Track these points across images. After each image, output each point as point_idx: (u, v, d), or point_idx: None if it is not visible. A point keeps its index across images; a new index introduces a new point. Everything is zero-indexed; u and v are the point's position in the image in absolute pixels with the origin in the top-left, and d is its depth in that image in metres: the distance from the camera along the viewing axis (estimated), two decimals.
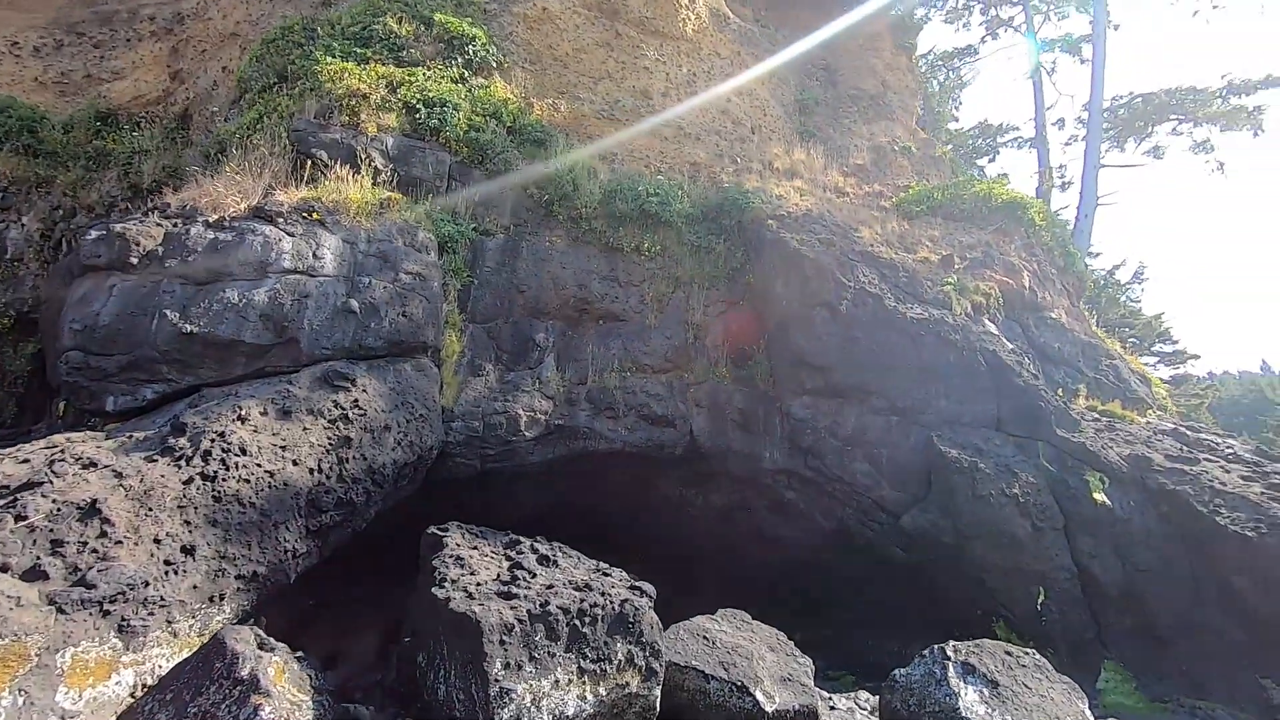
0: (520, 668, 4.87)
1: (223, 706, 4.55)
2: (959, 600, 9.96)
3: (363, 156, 10.12)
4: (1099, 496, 9.56)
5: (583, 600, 5.36)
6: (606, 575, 6.11)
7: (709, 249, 12.48)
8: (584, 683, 5.15)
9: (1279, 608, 8.10)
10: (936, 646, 6.18)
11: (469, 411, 9.51)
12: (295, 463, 7.02)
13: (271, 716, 4.49)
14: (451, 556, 5.76)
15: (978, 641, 6.21)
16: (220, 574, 5.99)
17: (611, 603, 5.49)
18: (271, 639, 5.18)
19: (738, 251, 12.56)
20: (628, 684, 5.34)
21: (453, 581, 5.36)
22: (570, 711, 5.01)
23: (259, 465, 6.74)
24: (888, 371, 10.64)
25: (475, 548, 6.18)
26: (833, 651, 10.92)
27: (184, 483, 6.21)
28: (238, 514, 6.33)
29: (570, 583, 5.56)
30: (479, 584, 5.39)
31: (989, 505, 9.53)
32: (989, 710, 5.53)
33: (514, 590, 5.27)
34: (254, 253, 8.48)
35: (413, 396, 8.58)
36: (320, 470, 7.16)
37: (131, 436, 6.99)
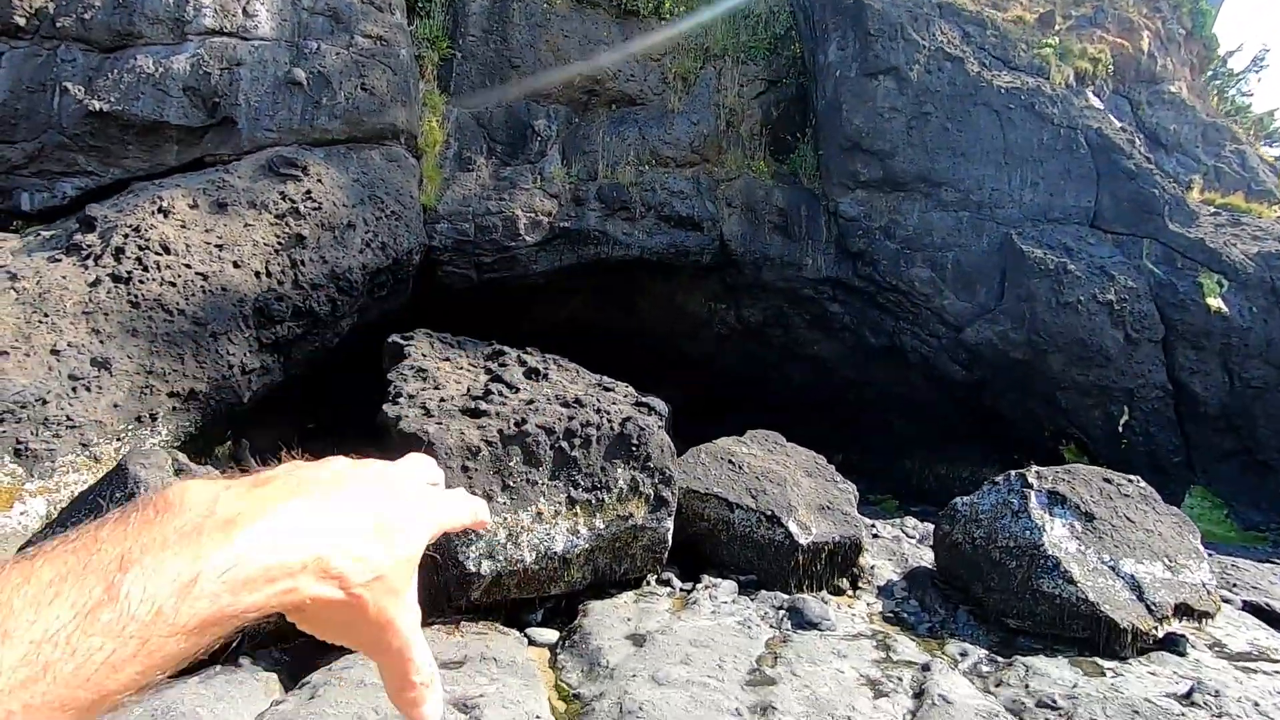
0: (490, 499, 3.87)
1: None
2: (1023, 421, 8.82)
3: None
4: (1214, 302, 7.93)
5: (571, 418, 4.24)
6: (608, 390, 4.98)
7: (746, 12, 10.09)
8: (575, 515, 4.17)
9: None
10: (1014, 473, 5.04)
11: (457, 212, 8.08)
12: (236, 264, 5.82)
13: None
14: (412, 369, 4.64)
15: (1069, 467, 5.04)
16: (148, 391, 5.02)
17: (609, 422, 4.37)
18: (193, 464, 4.24)
19: (782, 14, 10.14)
20: (631, 515, 4.36)
21: (409, 397, 4.26)
22: (559, 547, 4.08)
23: (188, 267, 5.56)
24: (964, 156, 8.70)
25: (447, 359, 5.05)
26: (874, 475, 10.12)
27: (90, 285, 5.08)
28: (163, 323, 5.25)
29: (558, 398, 4.43)
30: (442, 400, 4.29)
31: (1075, 314, 8.03)
32: (1082, 547, 4.45)
33: (484, 407, 4.16)
34: (164, 7, 6.72)
35: (383, 190, 7.14)
36: (269, 274, 5.97)
37: (39, 235, 5.82)
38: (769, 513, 5.14)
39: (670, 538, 4.69)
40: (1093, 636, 4.18)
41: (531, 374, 5.04)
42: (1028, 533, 4.57)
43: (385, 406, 4.20)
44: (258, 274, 5.90)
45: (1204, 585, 4.41)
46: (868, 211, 9.02)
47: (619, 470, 4.37)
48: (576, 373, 5.35)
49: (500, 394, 4.41)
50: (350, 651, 2.79)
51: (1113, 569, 4.36)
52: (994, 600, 4.62)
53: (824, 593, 5.20)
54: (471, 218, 8.13)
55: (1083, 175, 8.70)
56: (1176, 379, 8.00)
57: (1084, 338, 8.00)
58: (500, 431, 4.01)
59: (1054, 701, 3.43)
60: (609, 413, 4.42)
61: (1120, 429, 7.99)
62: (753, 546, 5.19)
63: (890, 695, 3.42)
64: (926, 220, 8.84)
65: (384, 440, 4.60)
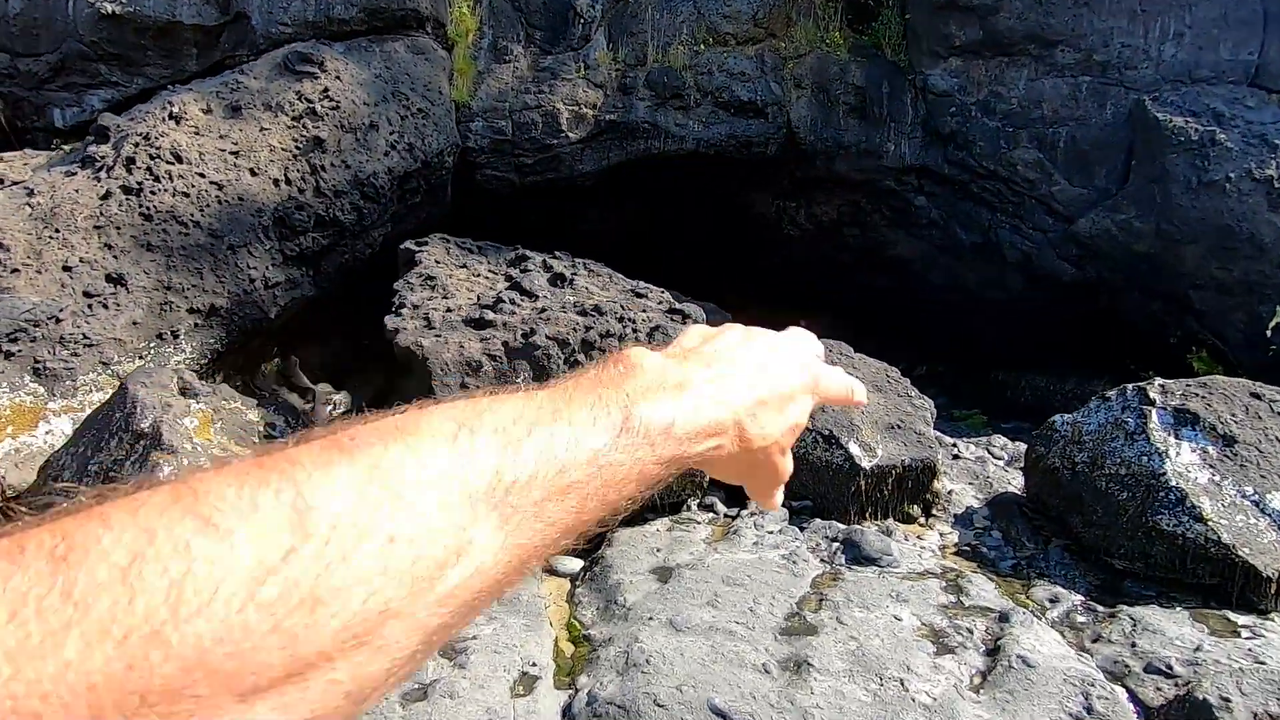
0: None
1: (126, 464, 3.53)
2: (1142, 327, 7.62)
3: None
4: None
5: (589, 328, 3.72)
6: (640, 297, 4.40)
7: None
8: None
9: None
10: (1131, 386, 4.17)
11: (492, 108, 7.43)
12: (253, 172, 5.49)
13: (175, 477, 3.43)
14: (420, 276, 4.21)
15: (1204, 379, 4.11)
16: (167, 308, 4.86)
17: (635, 332, 3.82)
18: (201, 384, 4.04)
19: None
20: None
21: (413, 307, 3.85)
22: None
23: (201, 175, 5.26)
24: (1087, 5, 7.18)
25: (464, 266, 4.59)
26: (961, 389, 9.19)
27: (101, 198, 4.88)
28: (179, 236, 5.02)
29: (576, 306, 3.89)
30: (449, 310, 3.85)
31: (1221, 195, 6.65)
32: (1216, 477, 3.62)
33: (491, 317, 3.70)
34: None
35: (408, 86, 6.58)
36: (288, 181, 5.62)
37: (61, 150, 5.67)
38: (826, 432, 4.52)
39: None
40: (1222, 584, 3.43)
41: (557, 280, 4.51)
42: (1145, 459, 3.77)
43: (386, 318, 3.81)
44: (276, 182, 5.56)
45: None
46: (963, 84, 7.70)
47: None
48: (609, 278, 4.78)
49: (513, 303, 3.92)
50: None
51: (1256, 504, 3.53)
52: (1095, 536, 3.90)
53: (890, 521, 4.61)
54: (508, 114, 7.47)
55: (1244, 20, 7.01)
56: None
57: (1230, 224, 6.64)
58: (505, 344, 3.55)
59: (1169, 667, 2.77)
60: (634, 322, 3.86)
61: (1269, 333, 6.71)
62: (808, 469, 4.62)
63: (956, 651, 2.87)
64: (1035, 90, 7.45)
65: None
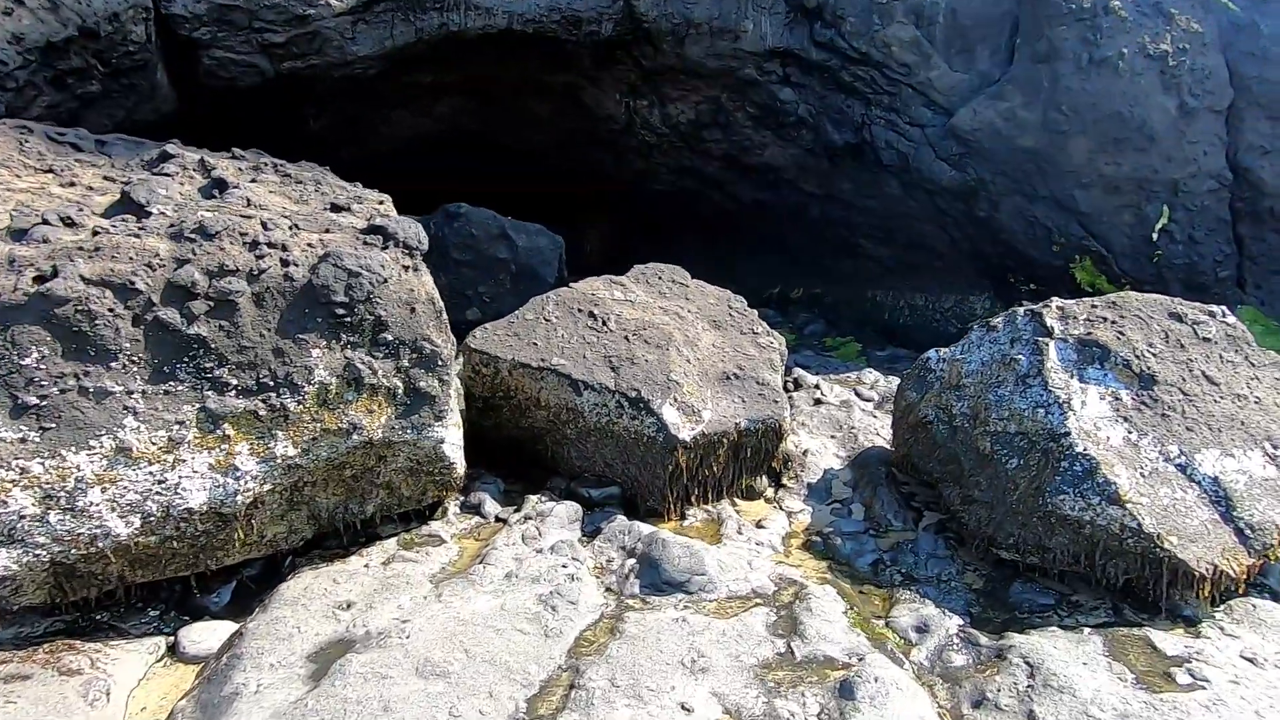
0: None
1: None
2: (1025, 235, 6.79)
3: None
4: None
5: (184, 263, 2.20)
6: (338, 211, 2.87)
7: None
8: (225, 439, 2.27)
9: None
10: (1024, 310, 3.13)
11: None
12: None
13: None
14: None
15: (1113, 299, 3.10)
16: None
17: (285, 264, 2.33)
18: None
19: None
20: (357, 425, 2.49)
21: None
22: (197, 500, 2.25)
23: None
24: None
25: (49, 170, 2.88)
26: (837, 311, 8.26)
27: None
28: None
29: (171, 229, 2.33)
30: None
31: (1114, 75, 5.73)
32: (1132, 434, 2.64)
33: (15, 252, 2.08)
34: None
35: None
36: None
37: None
38: (632, 394, 3.27)
39: (451, 451, 2.84)
40: (1137, 580, 2.48)
41: (215, 188, 2.90)
42: (1042, 411, 2.74)
43: None
44: None
45: None
46: None
47: (316, 351, 2.40)
48: (314, 185, 3.21)
49: (69, 224, 2.31)
50: None
51: (1183, 470, 2.57)
52: (978, 517, 2.88)
53: (724, 503, 3.49)
54: None
55: None
56: (1240, 164, 5.88)
57: (1122, 110, 5.76)
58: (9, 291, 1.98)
59: None
60: (285, 248, 2.37)
61: (1155, 236, 6.00)
62: (613, 443, 3.39)
63: None
64: None
65: None
